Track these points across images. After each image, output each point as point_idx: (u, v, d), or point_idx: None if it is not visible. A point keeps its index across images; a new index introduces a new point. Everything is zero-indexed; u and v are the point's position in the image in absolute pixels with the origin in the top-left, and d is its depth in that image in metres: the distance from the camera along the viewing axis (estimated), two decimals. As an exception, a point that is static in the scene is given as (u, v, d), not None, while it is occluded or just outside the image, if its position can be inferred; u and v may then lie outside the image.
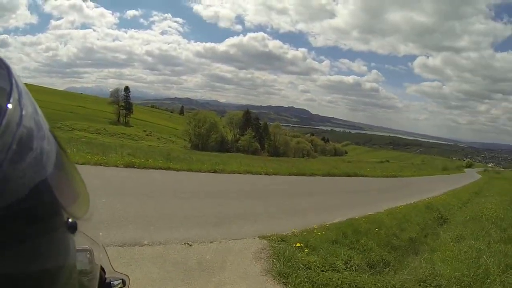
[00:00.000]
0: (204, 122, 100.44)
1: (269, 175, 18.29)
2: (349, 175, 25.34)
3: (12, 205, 0.51)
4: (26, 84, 0.64)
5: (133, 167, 13.13)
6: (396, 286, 5.80)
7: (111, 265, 1.20)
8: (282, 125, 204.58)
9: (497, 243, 9.91)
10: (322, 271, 5.93)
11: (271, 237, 7.26)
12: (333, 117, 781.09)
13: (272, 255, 6.26)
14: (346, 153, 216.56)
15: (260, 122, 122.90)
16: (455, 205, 18.68)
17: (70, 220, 0.66)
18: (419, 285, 6.14)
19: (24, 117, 0.58)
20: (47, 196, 0.60)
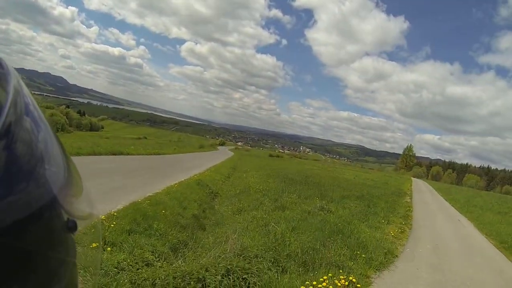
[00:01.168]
0: None
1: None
2: (114, 154, 24.26)
3: (12, 205, 0.52)
4: None
5: None
6: (221, 265, 5.55)
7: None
8: (35, 93, 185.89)
9: (274, 211, 11.10)
10: (138, 269, 5.35)
11: (58, 242, 6.03)
12: (92, 89, 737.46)
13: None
14: (103, 128, 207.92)
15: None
16: (219, 180, 20.08)
17: (69, 219, 0.66)
18: (239, 258, 6.12)
19: (24, 116, 0.59)
20: (46, 195, 0.60)
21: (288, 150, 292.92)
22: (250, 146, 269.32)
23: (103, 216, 7.60)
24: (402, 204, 19.40)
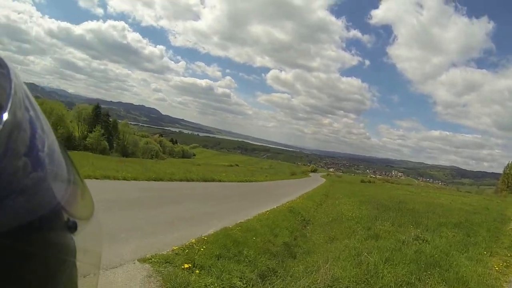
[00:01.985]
0: (50, 114, 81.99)
1: (127, 180, 16.79)
2: (206, 180, 24.97)
3: (11, 206, 0.52)
4: None
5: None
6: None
7: None
8: (131, 123, 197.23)
9: (367, 240, 10.61)
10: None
11: (153, 259, 6.25)
12: (183, 119, 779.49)
13: (164, 285, 5.28)
14: (195, 155, 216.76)
15: (110, 119, 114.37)
16: (311, 207, 19.73)
17: (70, 219, 0.67)
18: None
19: (24, 117, 0.59)
20: (46, 195, 0.60)
21: (380, 175, 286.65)
22: (342, 172, 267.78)
23: (194, 240, 7.79)
24: (506, 233, 17.56)
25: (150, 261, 6.15)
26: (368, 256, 8.22)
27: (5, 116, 0.53)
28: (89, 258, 0.90)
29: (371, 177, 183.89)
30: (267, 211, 14.74)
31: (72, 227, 0.67)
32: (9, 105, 0.55)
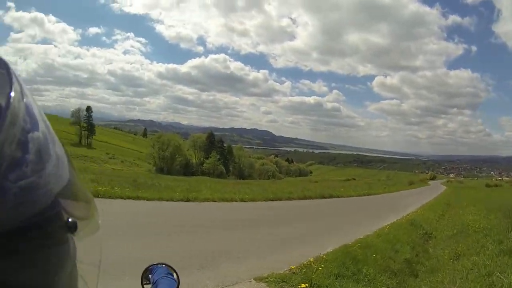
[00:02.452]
0: (168, 145, 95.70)
1: (245, 201, 17.27)
2: (324, 197, 24.83)
3: (12, 206, 0.52)
4: None
5: (97, 197, 11.36)
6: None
7: None
8: (246, 147, 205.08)
9: (499, 256, 9.33)
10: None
11: (269, 278, 6.29)
12: (296, 138, 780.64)
13: (279, 304, 5.26)
14: (311, 173, 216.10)
15: (224, 144, 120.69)
16: (433, 218, 18.62)
17: (70, 220, 0.66)
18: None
19: (25, 117, 0.59)
20: (47, 196, 0.60)
21: (507, 177, 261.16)
22: (463, 177, 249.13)
23: (312, 259, 7.63)
24: None
25: (267, 280, 6.22)
26: (502, 277, 7.31)
27: (5, 117, 0.53)
28: (89, 258, 0.90)
29: (497, 179, 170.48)
30: (387, 225, 14.22)
31: (72, 228, 0.67)
32: (9, 107, 0.55)
